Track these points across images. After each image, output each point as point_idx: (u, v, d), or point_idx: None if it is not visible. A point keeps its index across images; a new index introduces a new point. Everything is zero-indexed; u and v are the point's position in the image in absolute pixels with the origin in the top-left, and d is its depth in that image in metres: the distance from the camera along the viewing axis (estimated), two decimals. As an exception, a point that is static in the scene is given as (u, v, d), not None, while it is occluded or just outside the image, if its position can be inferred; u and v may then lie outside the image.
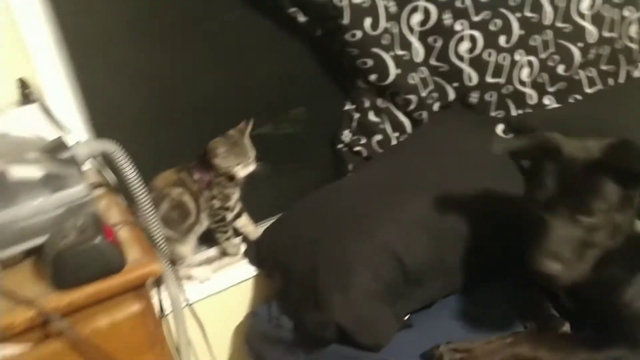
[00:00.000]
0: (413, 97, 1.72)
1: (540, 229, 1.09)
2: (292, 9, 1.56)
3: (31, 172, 0.92)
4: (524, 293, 1.36)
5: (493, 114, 1.87)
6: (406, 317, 1.38)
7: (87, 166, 1.13)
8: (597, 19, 1.90)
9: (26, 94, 1.18)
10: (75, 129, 1.27)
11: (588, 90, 1.98)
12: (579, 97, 1.96)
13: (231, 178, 1.57)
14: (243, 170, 1.56)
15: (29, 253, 0.93)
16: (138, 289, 0.88)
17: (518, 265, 1.34)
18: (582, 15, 1.87)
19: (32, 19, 1.24)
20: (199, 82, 1.64)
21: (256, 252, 1.61)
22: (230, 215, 1.60)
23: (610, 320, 1.17)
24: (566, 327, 1.26)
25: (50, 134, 1.12)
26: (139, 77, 1.54)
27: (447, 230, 1.41)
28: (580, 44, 1.89)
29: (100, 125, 1.45)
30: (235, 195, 1.61)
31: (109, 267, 0.85)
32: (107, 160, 1.15)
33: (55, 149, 1.00)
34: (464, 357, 1.21)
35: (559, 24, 1.85)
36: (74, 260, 0.83)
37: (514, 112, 1.89)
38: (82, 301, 0.83)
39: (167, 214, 1.49)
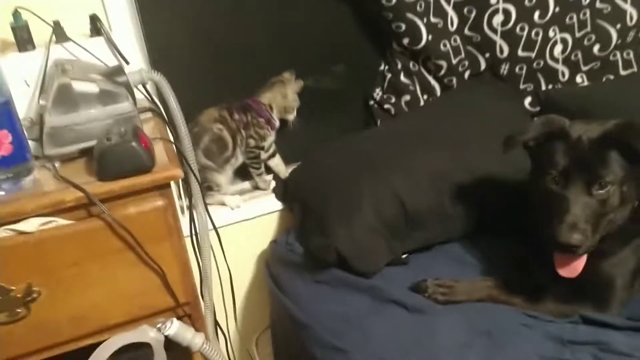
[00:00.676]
0: (444, 63, 1.84)
1: (555, 203, 1.20)
2: (335, -28, 1.71)
3: (91, 88, 1.14)
4: (512, 247, 1.49)
5: (522, 86, 1.97)
6: (405, 256, 1.54)
7: (141, 93, 1.36)
8: (639, 2, 1.93)
9: (96, 28, 1.40)
10: (134, 61, 1.48)
11: (623, 73, 2.03)
12: (612, 77, 2.02)
13: (268, 121, 1.77)
14: (290, 115, 1.80)
15: (83, 152, 1.16)
16: (163, 188, 1.09)
17: (512, 223, 1.49)
18: (623, -3, 1.92)
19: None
20: (248, 31, 1.81)
21: (282, 188, 1.81)
22: (264, 155, 1.81)
23: (585, 282, 1.28)
24: (543, 280, 1.40)
25: (111, 62, 1.35)
26: (195, 22, 1.74)
27: (453, 183, 1.56)
28: (618, 25, 1.94)
29: (157, 61, 1.66)
30: (270, 137, 1.80)
31: (141, 166, 1.06)
32: (159, 93, 1.37)
33: (112, 73, 1.22)
34: (445, 292, 1.37)
35: (598, 5, 1.90)
36: (113, 157, 1.04)
37: (544, 87, 1.98)
38: (118, 191, 1.05)
39: (208, 146, 1.71)
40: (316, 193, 1.61)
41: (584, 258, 1.21)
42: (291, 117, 1.82)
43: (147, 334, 1.08)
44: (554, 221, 1.18)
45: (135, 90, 1.28)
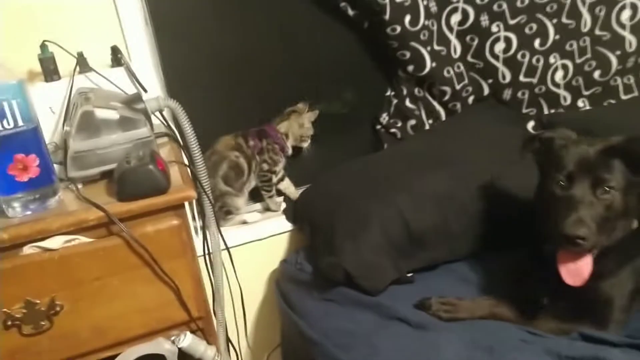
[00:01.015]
0: (448, 89, 1.91)
1: (562, 204, 1.24)
2: (343, 3, 1.79)
3: (111, 114, 1.23)
4: (515, 266, 1.54)
5: (525, 111, 2.03)
6: (410, 275, 1.60)
7: (158, 119, 1.45)
8: (637, 29, 2.00)
9: (117, 59, 1.50)
10: (152, 90, 1.57)
11: (624, 97, 2.09)
12: (614, 102, 2.07)
13: (282, 148, 1.85)
14: (304, 143, 1.89)
15: (104, 175, 1.24)
16: (178, 208, 1.17)
17: (516, 242, 1.53)
18: (622, 25, 1.98)
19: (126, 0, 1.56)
20: (262, 60, 1.90)
21: (292, 209, 1.87)
22: (275, 178, 1.88)
23: (584, 302, 1.33)
24: (544, 299, 1.44)
25: (131, 90, 1.44)
26: (211, 52, 1.83)
27: (456, 205, 1.61)
28: (618, 52, 2.01)
29: (174, 89, 1.75)
30: (282, 162, 1.88)
31: (157, 187, 1.13)
32: (175, 119, 1.45)
33: (131, 101, 1.30)
34: (449, 309, 1.42)
35: (598, 32, 1.98)
36: (132, 179, 1.12)
37: (546, 111, 2.04)
38: (136, 211, 1.13)
39: (227, 173, 1.79)
40: (325, 214, 1.67)
41: (589, 263, 1.24)
42: (305, 144, 1.91)
43: (162, 345, 1.14)
44: (560, 219, 1.22)
45: (152, 116, 1.36)
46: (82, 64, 1.41)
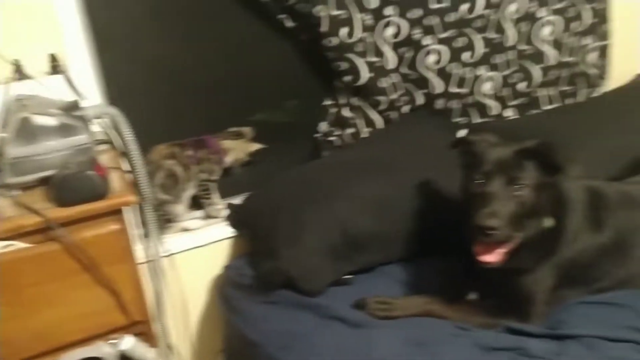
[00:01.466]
0: (383, 99, 1.99)
1: (478, 199, 1.33)
2: (281, 16, 1.85)
3: (49, 121, 1.24)
4: (447, 267, 1.62)
5: (457, 120, 2.14)
6: (348, 277, 1.65)
7: (98, 126, 1.46)
8: (558, 44, 2.15)
9: (55, 67, 1.50)
10: (91, 98, 1.58)
11: (547, 107, 2.23)
12: (536, 112, 2.21)
13: (220, 160, 1.88)
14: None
15: (42, 181, 1.24)
16: (117, 213, 1.19)
17: (447, 245, 1.62)
18: (543, 40, 2.13)
19: (65, 7, 1.56)
20: (204, 71, 1.93)
21: (233, 216, 1.91)
22: (213, 186, 1.91)
23: (509, 296, 1.43)
24: (473, 296, 1.53)
25: (70, 98, 1.44)
26: (152, 61, 1.84)
27: (391, 209, 1.68)
28: (540, 65, 2.15)
29: (114, 98, 1.75)
30: (218, 171, 1.91)
31: (97, 193, 1.15)
32: (115, 126, 1.47)
33: (70, 108, 1.31)
34: (384, 308, 1.49)
35: (522, 47, 2.11)
36: (71, 185, 1.14)
37: (476, 120, 2.15)
38: (75, 216, 1.14)
39: (163, 182, 1.80)
40: (266, 220, 1.71)
41: (502, 250, 1.33)
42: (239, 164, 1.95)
43: (102, 349, 1.15)
44: (475, 212, 1.31)
45: (93, 124, 1.37)
46: (19, 71, 1.41)
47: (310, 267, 1.56)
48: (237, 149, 1.91)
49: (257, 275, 1.67)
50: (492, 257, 1.32)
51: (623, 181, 1.69)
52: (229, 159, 1.91)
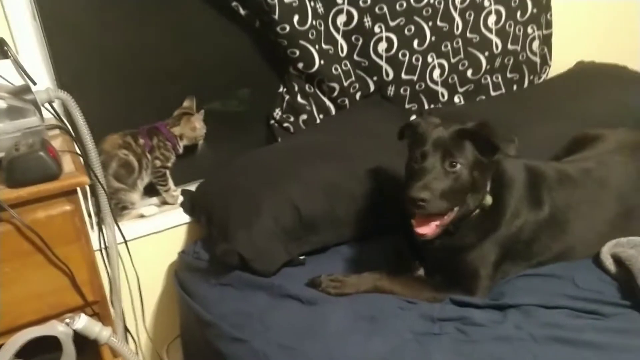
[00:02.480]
0: (336, 86, 2.03)
1: (415, 175, 1.40)
2: (234, 3, 1.87)
3: (-2, 104, 1.23)
4: (395, 245, 1.68)
5: (408, 106, 2.20)
6: (302, 257, 1.70)
7: (49, 112, 1.46)
8: (502, 33, 2.23)
9: (3, 51, 1.49)
10: (42, 83, 1.57)
11: (493, 94, 2.32)
12: (484, 98, 2.30)
13: (174, 146, 1.90)
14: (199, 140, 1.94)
15: (-8, 164, 1.24)
16: (70, 194, 1.20)
17: (396, 225, 1.68)
18: (489, 29, 2.21)
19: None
20: (156, 58, 1.94)
21: (189, 202, 1.93)
22: (168, 173, 1.93)
23: (454, 272, 1.51)
24: (420, 272, 1.60)
25: (19, 83, 1.44)
26: (102, 46, 1.84)
27: (343, 192, 1.73)
28: (486, 53, 2.23)
29: (66, 83, 1.74)
30: (173, 157, 1.93)
31: (48, 174, 1.16)
32: (67, 111, 1.47)
33: (20, 92, 1.31)
34: (337, 285, 1.54)
35: (469, 35, 2.19)
36: (22, 165, 1.14)
37: (426, 106, 2.22)
38: (26, 197, 1.14)
39: (117, 171, 1.80)
40: (220, 204, 1.74)
41: (437, 223, 1.39)
42: (200, 142, 1.97)
43: (56, 328, 1.16)
44: (409, 186, 1.38)
45: (44, 109, 1.37)
46: (-33, 55, 1.40)
47: (264, 249, 1.60)
48: (186, 130, 1.92)
49: (212, 257, 1.70)
50: (427, 230, 1.39)
51: (561, 160, 1.78)
52: (184, 143, 1.93)
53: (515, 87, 2.37)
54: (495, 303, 1.42)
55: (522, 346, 1.25)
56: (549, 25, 2.35)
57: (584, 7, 2.55)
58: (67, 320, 1.18)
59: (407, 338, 1.32)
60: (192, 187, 1.99)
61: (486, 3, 2.18)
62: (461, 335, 1.32)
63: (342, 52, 2.05)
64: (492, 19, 2.20)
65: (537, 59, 2.36)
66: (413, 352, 1.28)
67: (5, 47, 1.48)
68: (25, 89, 1.33)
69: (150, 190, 1.97)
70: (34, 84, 1.46)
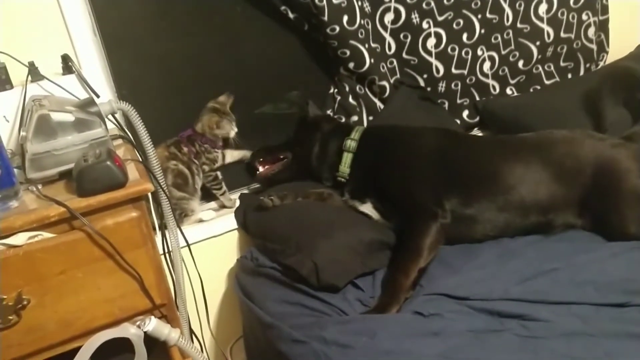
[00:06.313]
0: (386, 84, 2.03)
1: None
2: (283, 7, 1.89)
3: (67, 117, 1.29)
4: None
5: (459, 101, 2.18)
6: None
7: (111, 123, 1.51)
8: (554, 21, 2.18)
9: (67, 67, 1.55)
10: (104, 95, 1.63)
11: (547, 83, 2.27)
12: (538, 87, 2.25)
13: (214, 145, 1.92)
14: (233, 131, 1.93)
15: (62, 175, 1.30)
16: (136, 201, 1.24)
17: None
18: (540, 18, 2.16)
19: (74, 11, 1.62)
20: (209, 64, 1.98)
21: (241, 217, 1.95)
22: (220, 175, 1.96)
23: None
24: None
25: (83, 96, 1.50)
26: (158, 57, 1.90)
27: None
28: (538, 43, 2.18)
29: (124, 94, 1.81)
30: (220, 157, 1.96)
31: (116, 182, 1.21)
32: (128, 121, 1.52)
33: (85, 105, 1.37)
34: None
35: (519, 25, 2.15)
36: (91, 176, 1.19)
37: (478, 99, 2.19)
38: (96, 205, 1.19)
39: (174, 182, 1.84)
40: (279, 225, 1.77)
41: None
42: (232, 134, 1.94)
43: (128, 330, 1.21)
44: None
45: (106, 120, 1.43)
46: (34, 72, 1.47)
47: (339, 262, 1.59)
48: (206, 128, 1.90)
49: (272, 265, 1.71)
50: None
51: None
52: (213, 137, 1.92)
53: (570, 76, 2.30)
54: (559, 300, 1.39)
55: (592, 342, 1.22)
56: (605, 10, 2.28)
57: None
58: (139, 323, 1.22)
59: (468, 335, 1.31)
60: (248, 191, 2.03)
61: (537, -9, 2.14)
62: (524, 331, 1.30)
63: (390, 50, 2.04)
64: (543, 8, 2.15)
65: (594, 46, 2.29)
66: (474, 349, 1.27)
67: (70, 63, 1.55)
68: (90, 102, 1.39)
69: (207, 195, 2.01)
70: (97, 96, 1.53)
